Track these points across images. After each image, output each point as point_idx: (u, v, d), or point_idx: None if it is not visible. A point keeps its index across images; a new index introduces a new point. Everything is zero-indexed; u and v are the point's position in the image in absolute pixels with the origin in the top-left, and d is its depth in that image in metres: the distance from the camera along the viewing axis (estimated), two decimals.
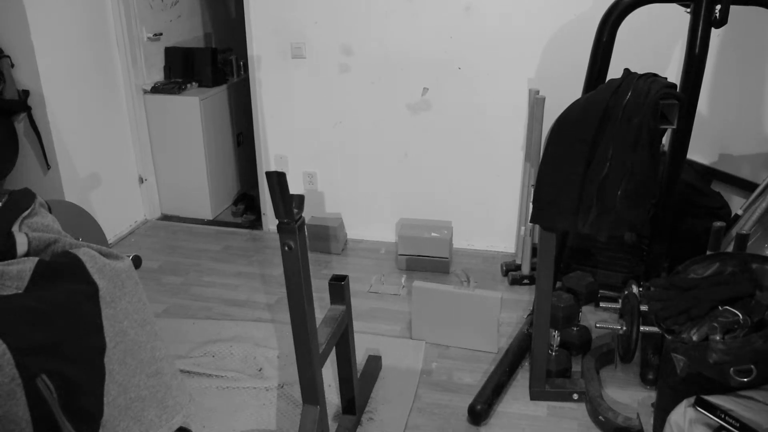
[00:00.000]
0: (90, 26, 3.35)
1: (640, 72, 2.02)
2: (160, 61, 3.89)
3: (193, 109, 3.74)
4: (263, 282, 3.25)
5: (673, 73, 2.85)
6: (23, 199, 1.38)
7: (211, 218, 4.00)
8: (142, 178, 3.89)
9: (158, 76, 3.89)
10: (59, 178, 3.25)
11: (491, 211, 3.48)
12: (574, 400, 2.35)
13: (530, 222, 2.26)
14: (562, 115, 2.05)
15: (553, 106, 2.47)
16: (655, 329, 2.04)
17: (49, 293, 1.21)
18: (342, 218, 3.61)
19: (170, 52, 3.91)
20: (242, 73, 4.14)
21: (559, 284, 2.80)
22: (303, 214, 1.71)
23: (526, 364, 2.55)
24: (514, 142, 3.31)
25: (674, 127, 1.94)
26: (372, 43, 3.28)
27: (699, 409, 1.67)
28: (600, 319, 2.69)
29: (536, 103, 2.95)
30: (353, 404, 2.21)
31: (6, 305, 1.15)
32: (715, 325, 1.80)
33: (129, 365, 1.34)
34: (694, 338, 1.82)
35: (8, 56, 3.00)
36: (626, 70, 2.05)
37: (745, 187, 3.05)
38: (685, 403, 1.72)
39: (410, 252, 3.32)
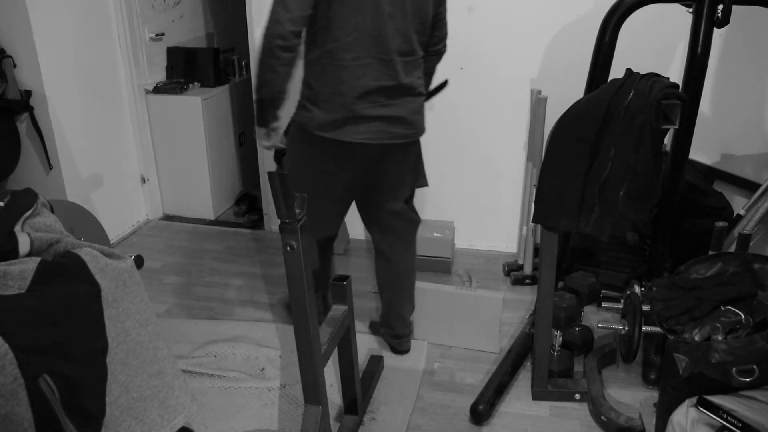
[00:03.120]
0: (92, 26, 3.36)
1: (642, 72, 2.02)
2: (162, 61, 3.89)
3: (195, 109, 3.74)
4: (265, 282, 3.25)
5: (675, 73, 2.85)
6: (25, 199, 1.38)
7: (213, 218, 4.00)
8: (144, 178, 3.89)
9: (160, 76, 3.89)
10: (61, 178, 3.25)
11: (493, 211, 3.48)
12: (577, 400, 2.34)
13: (532, 222, 2.26)
14: (564, 115, 2.05)
15: (555, 106, 2.47)
16: (657, 329, 2.04)
17: (51, 293, 1.21)
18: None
19: (172, 52, 3.92)
20: (244, 73, 4.15)
21: (561, 284, 2.80)
22: (305, 215, 1.71)
23: (528, 365, 2.55)
24: (516, 142, 3.31)
25: (676, 127, 1.94)
26: None
27: (701, 409, 1.67)
28: (602, 319, 2.69)
29: (538, 103, 2.95)
30: (355, 404, 2.21)
31: (8, 305, 1.16)
32: (718, 325, 1.80)
33: (131, 365, 1.34)
34: (697, 338, 1.82)
35: (10, 56, 3.01)
36: (628, 70, 2.05)
37: (747, 187, 3.05)
38: (687, 403, 1.72)
39: None
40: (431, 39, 2.26)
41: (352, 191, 2.34)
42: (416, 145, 2.33)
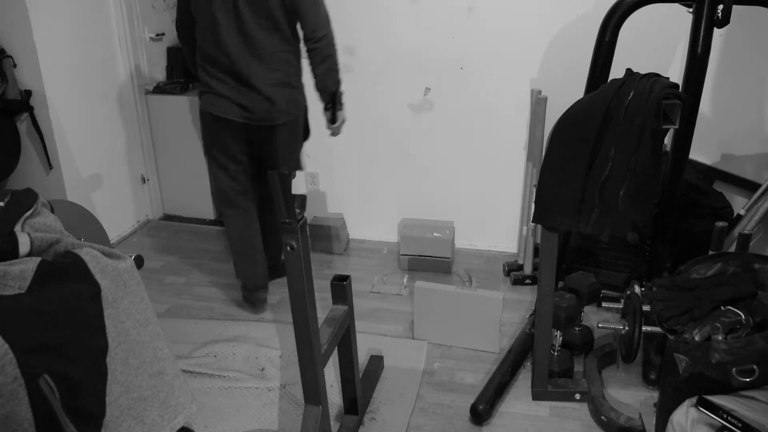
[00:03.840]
0: (92, 26, 3.36)
1: (642, 72, 2.02)
2: (162, 61, 3.89)
3: (195, 109, 3.73)
4: None
5: (675, 73, 2.85)
6: (25, 199, 1.38)
7: (213, 218, 4.00)
8: (144, 178, 3.89)
9: (160, 76, 3.89)
10: (61, 178, 3.25)
11: (493, 211, 3.48)
12: (577, 400, 2.34)
13: (532, 222, 2.26)
14: (564, 115, 2.05)
15: (556, 106, 2.47)
16: (657, 329, 2.04)
17: (51, 293, 1.21)
18: (344, 218, 3.61)
19: (172, 52, 3.91)
20: None
21: (561, 284, 2.80)
22: (305, 215, 1.71)
23: (528, 365, 2.55)
24: (517, 142, 3.31)
25: (676, 127, 1.94)
26: (374, 43, 3.28)
27: (701, 409, 1.67)
28: (602, 319, 2.69)
29: (538, 102, 2.95)
30: (355, 404, 2.21)
31: (8, 305, 1.16)
32: (718, 325, 1.80)
33: (131, 365, 1.34)
34: (697, 338, 1.82)
35: (11, 56, 3.01)
36: (628, 70, 2.05)
37: (748, 187, 3.05)
38: (687, 403, 1.72)
39: (412, 252, 3.32)
40: (304, 37, 2.55)
41: (235, 155, 2.75)
42: (282, 129, 2.67)
